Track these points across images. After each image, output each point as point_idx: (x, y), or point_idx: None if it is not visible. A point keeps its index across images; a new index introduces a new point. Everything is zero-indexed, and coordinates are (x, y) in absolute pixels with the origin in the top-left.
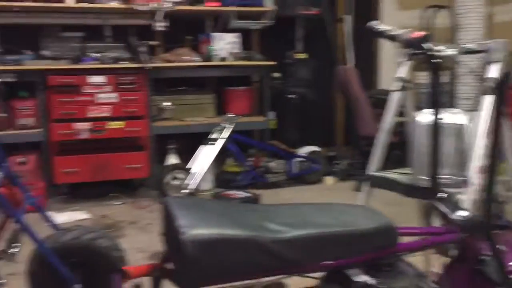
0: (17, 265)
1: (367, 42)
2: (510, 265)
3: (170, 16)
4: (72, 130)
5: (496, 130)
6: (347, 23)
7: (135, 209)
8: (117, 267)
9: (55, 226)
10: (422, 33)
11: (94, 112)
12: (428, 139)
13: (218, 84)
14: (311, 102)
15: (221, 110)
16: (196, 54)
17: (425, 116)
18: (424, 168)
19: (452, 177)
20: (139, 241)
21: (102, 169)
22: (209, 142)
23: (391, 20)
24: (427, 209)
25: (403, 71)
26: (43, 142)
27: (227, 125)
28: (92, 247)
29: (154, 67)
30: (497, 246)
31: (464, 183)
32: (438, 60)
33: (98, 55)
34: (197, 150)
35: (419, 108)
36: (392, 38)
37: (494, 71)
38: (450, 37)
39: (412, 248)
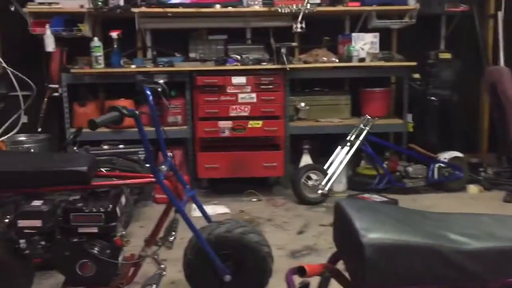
0: (171, 252)
1: None
2: None
3: (307, 17)
4: (216, 128)
5: None
6: (499, 20)
7: (271, 206)
8: (266, 262)
9: (208, 219)
10: None
11: (235, 111)
12: None
13: (354, 85)
14: (454, 104)
15: (356, 111)
16: (333, 55)
17: None
18: None
19: None
20: (277, 238)
21: (241, 166)
22: (345, 144)
23: None
24: None
25: None
26: (188, 138)
27: (363, 127)
28: (244, 241)
29: (291, 68)
30: None
31: None
32: None
33: (239, 56)
34: (332, 151)
35: None
36: None
37: None
38: None
39: None
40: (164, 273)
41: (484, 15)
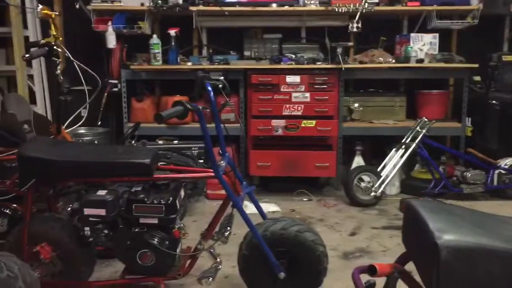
0: (224, 247)
1: None
2: None
3: (364, 16)
4: (269, 126)
5: None
6: None
7: (322, 207)
8: (321, 262)
9: (263, 215)
10: None
11: (288, 110)
12: None
13: (410, 87)
14: None
15: (412, 113)
16: (389, 55)
17: None
18: None
19: None
20: (329, 239)
21: (292, 165)
22: (400, 146)
23: None
24: None
25: None
26: (241, 136)
27: (419, 130)
28: (299, 239)
29: (346, 68)
30: None
31: None
32: None
33: (294, 55)
34: (385, 153)
35: None
36: None
37: None
38: None
39: None
40: (220, 266)
41: None
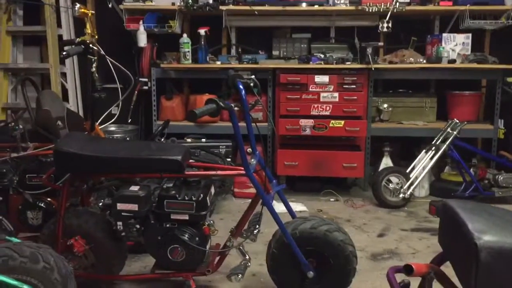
0: (252, 245)
1: None
2: None
3: (394, 16)
4: (297, 126)
5: None
6: None
7: (350, 207)
8: (350, 261)
9: (292, 214)
10: None
11: (317, 110)
12: None
13: (440, 88)
14: None
15: (442, 115)
16: (420, 55)
17: None
18: None
19: None
20: (357, 240)
21: (320, 165)
22: (430, 148)
23: None
24: None
25: None
26: (268, 135)
27: (450, 131)
28: (328, 238)
29: (376, 68)
30: None
31: None
32: None
33: (323, 55)
34: (413, 155)
35: None
36: None
37: None
38: None
39: None
40: (249, 264)
41: None
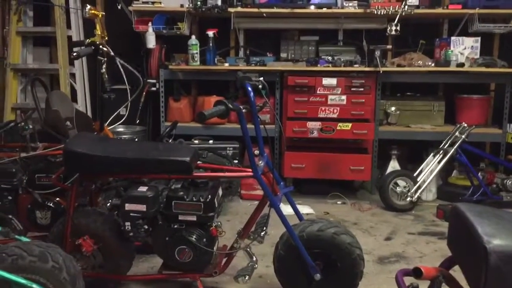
0: (258, 247)
1: None
2: None
3: (403, 19)
4: (305, 128)
5: None
6: None
7: (357, 210)
8: (358, 264)
9: (300, 216)
10: None
11: (324, 112)
12: None
13: (448, 91)
14: None
15: (450, 118)
16: (428, 59)
17: None
18: None
19: None
20: (363, 243)
21: (327, 167)
22: (438, 152)
23: None
24: None
25: None
26: (275, 137)
27: (458, 135)
28: (336, 241)
29: (384, 71)
30: None
31: None
32: None
33: (331, 58)
34: (421, 158)
35: None
36: None
37: None
38: None
39: None
40: (256, 265)
41: None
